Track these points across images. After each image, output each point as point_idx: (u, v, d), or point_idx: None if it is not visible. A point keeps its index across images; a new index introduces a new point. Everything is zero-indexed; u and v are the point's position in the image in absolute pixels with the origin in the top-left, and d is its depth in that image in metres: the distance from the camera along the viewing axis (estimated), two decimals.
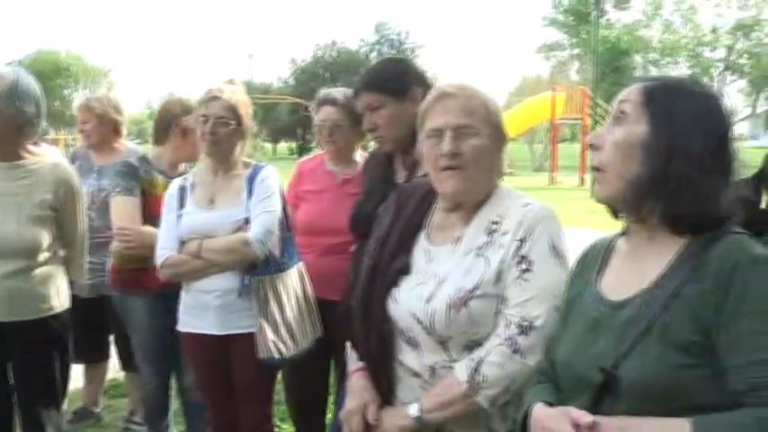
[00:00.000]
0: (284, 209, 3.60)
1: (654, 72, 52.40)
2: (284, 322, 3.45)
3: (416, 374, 2.25)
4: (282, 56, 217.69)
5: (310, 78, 51.46)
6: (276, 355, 3.41)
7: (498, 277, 2.17)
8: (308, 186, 3.93)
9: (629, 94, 1.78)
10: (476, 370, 2.11)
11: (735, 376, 1.57)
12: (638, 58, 53.00)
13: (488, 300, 2.16)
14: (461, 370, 2.14)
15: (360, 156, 3.97)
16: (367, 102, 3.07)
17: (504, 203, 2.29)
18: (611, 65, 48.90)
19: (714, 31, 51.35)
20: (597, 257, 1.95)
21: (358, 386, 2.38)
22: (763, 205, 6.91)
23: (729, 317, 1.59)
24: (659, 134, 1.72)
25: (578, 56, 55.52)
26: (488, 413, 2.15)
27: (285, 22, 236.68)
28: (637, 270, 1.79)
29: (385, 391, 2.32)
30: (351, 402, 2.37)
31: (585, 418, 1.64)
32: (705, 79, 51.51)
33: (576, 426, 1.64)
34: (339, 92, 3.90)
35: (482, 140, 2.25)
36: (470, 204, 2.31)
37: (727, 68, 51.49)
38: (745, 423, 1.53)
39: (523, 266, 2.15)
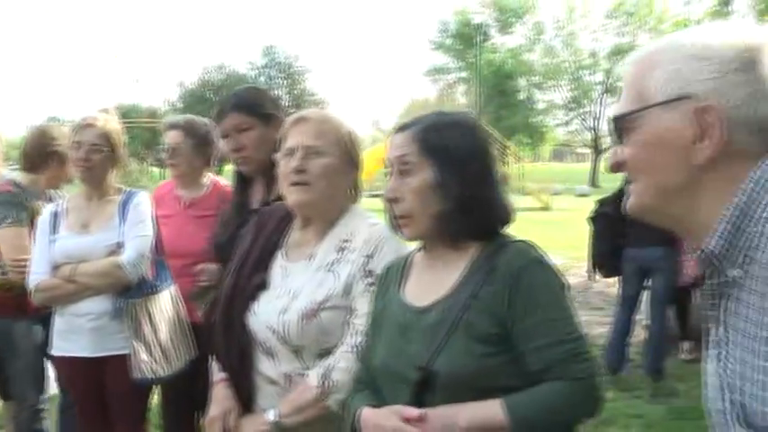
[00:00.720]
0: (157, 233, 3.70)
1: (537, 95, 54.02)
2: (158, 343, 3.54)
3: (274, 382, 2.41)
4: (170, 79, 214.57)
5: (198, 102, 50.83)
6: (150, 376, 3.50)
7: (347, 290, 2.36)
8: (159, 211, 4.02)
9: (406, 147, 2.04)
10: (326, 376, 2.29)
11: (531, 358, 1.89)
12: (522, 81, 54.43)
13: (337, 311, 2.35)
14: (314, 376, 2.31)
15: (209, 180, 4.14)
16: (235, 123, 3.17)
17: (354, 223, 2.49)
18: (496, 88, 50.12)
19: (593, 55, 53.40)
20: (397, 273, 2.20)
21: (220, 395, 2.53)
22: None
23: (521, 309, 1.90)
24: (446, 172, 2.00)
25: (465, 79, 56.64)
26: (340, 416, 2.30)
27: (172, 46, 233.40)
28: (437, 279, 2.05)
29: (246, 399, 2.48)
30: (213, 410, 2.52)
31: (414, 411, 1.88)
32: (585, 101, 53.63)
33: (407, 420, 1.88)
34: (182, 117, 4.17)
35: (329, 161, 2.44)
36: (322, 222, 2.50)
37: (606, 91, 53.49)
38: (544, 395, 1.88)
39: (370, 280, 2.34)
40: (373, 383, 2.13)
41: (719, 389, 1.31)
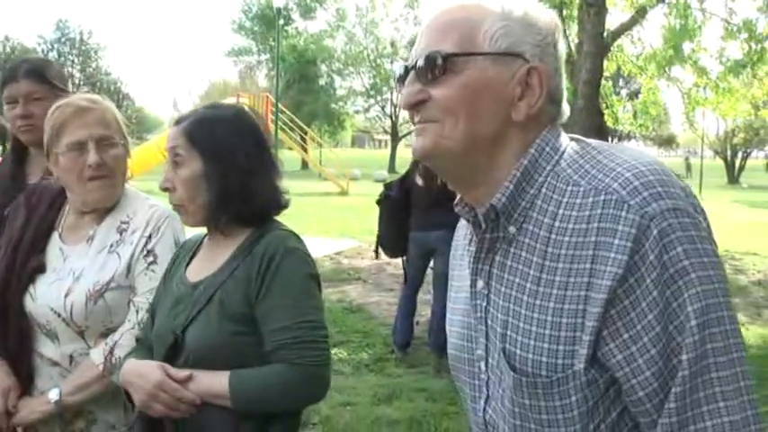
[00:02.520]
0: None
1: (338, 81, 54.53)
2: None
3: (56, 364, 2.42)
4: None
5: None
6: None
7: (129, 270, 2.41)
8: None
9: (176, 140, 2.15)
10: (110, 353, 2.33)
11: (265, 339, 2.05)
12: (323, 67, 54.73)
13: (121, 291, 2.39)
14: (97, 354, 2.35)
15: None
16: (28, 90, 3.00)
17: (133, 205, 2.53)
18: (297, 73, 50.18)
19: (393, 44, 54.44)
20: (189, 251, 2.32)
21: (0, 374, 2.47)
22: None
23: (265, 293, 2.06)
24: (211, 164, 2.12)
25: (267, 62, 56.32)
26: (120, 393, 2.33)
27: None
28: (211, 260, 2.19)
29: (25, 382, 2.45)
30: None
31: (181, 372, 2.03)
32: (385, 89, 54.67)
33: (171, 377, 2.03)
34: None
35: (120, 150, 2.47)
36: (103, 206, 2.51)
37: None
38: (267, 374, 2.03)
39: (150, 259, 2.41)
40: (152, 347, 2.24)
41: (473, 338, 1.45)
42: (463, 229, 1.58)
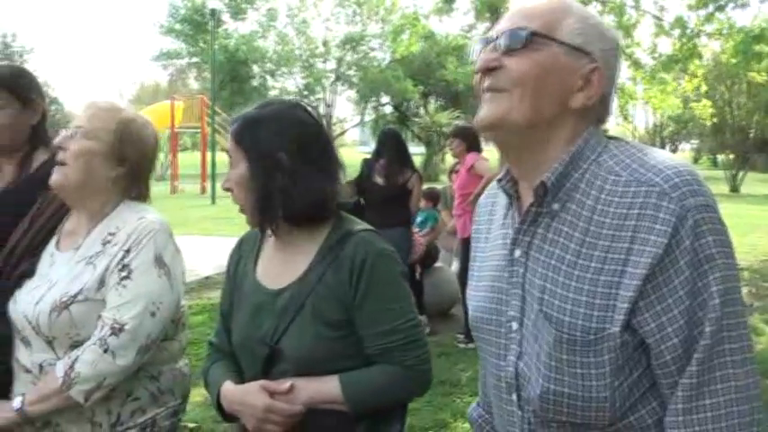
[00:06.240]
0: None
1: (270, 82, 54.15)
2: None
3: (28, 371, 2.38)
4: None
5: None
6: None
7: (101, 283, 2.34)
8: None
9: (230, 141, 2.18)
10: (71, 367, 2.27)
11: (368, 343, 2.10)
12: (255, 68, 54.30)
13: (91, 304, 2.33)
14: (60, 367, 2.29)
15: None
16: None
17: (123, 216, 2.46)
18: (229, 74, 49.72)
19: (325, 43, 54.23)
20: (251, 251, 2.34)
21: None
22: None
23: (362, 297, 2.08)
24: (254, 164, 2.12)
25: (197, 64, 55.64)
26: (88, 407, 2.32)
27: None
28: (289, 264, 2.20)
29: (4, 386, 2.42)
30: None
31: (281, 385, 2.07)
32: (318, 89, 54.47)
33: (272, 393, 2.06)
34: None
35: (92, 145, 2.43)
36: (88, 213, 2.47)
37: (337, 79, 54.57)
38: (377, 377, 2.10)
39: (123, 274, 2.33)
40: (232, 354, 2.28)
41: (504, 302, 1.61)
42: (491, 206, 1.78)
